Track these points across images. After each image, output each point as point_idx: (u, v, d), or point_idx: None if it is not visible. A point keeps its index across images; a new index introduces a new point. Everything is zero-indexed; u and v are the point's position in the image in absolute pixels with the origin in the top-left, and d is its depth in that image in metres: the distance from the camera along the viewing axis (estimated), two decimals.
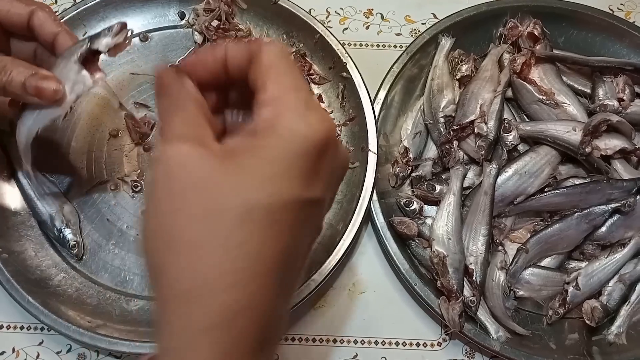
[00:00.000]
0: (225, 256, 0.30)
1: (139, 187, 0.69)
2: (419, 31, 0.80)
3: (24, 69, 0.49)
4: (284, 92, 0.33)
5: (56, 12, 0.78)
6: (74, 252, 0.65)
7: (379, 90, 0.72)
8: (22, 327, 0.64)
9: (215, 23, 0.75)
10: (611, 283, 0.67)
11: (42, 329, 0.64)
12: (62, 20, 0.72)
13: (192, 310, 0.30)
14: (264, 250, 0.31)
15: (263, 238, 0.31)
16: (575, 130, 0.68)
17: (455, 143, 0.69)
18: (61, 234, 0.66)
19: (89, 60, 0.51)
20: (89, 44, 0.50)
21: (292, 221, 0.32)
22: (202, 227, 0.30)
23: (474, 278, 0.64)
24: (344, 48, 0.74)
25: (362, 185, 0.67)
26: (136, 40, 0.77)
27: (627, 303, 0.66)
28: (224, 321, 0.30)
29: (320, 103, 0.74)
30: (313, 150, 0.32)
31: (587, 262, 0.68)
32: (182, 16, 0.78)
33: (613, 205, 0.66)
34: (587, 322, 0.64)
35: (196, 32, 0.76)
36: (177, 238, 0.31)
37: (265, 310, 0.31)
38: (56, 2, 0.81)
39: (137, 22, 0.77)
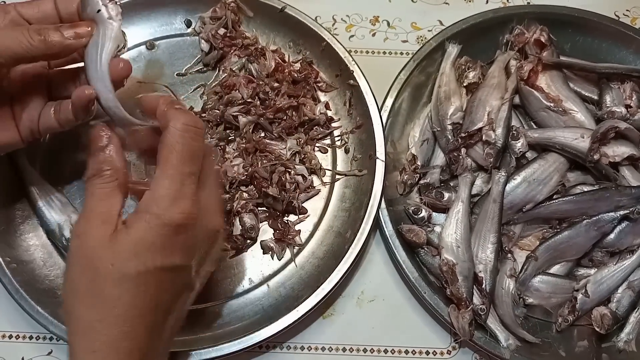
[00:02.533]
0: (106, 306, 0.44)
1: None
2: (426, 38, 0.80)
3: (55, 26, 0.51)
4: (161, 183, 0.45)
5: None
6: None
7: (386, 98, 0.72)
8: (31, 337, 0.64)
9: (222, 31, 0.75)
10: (620, 290, 0.67)
11: (51, 338, 0.64)
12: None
13: (86, 340, 0.44)
14: (135, 302, 0.44)
15: (134, 294, 0.44)
16: (583, 138, 0.68)
17: (463, 150, 0.69)
18: (70, 243, 0.65)
19: None
20: None
21: (156, 282, 0.45)
22: (92, 287, 0.44)
23: (483, 286, 0.64)
24: (351, 55, 0.74)
25: (370, 193, 0.67)
26: (143, 48, 0.77)
27: (636, 310, 0.66)
28: (107, 348, 0.43)
29: (327, 111, 0.74)
30: (170, 232, 0.44)
31: (596, 269, 0.67)
32: (188, 24, 0.78)
33: (622, 213, 0.66)
34: (597, 329, 0.64)
35: (203, 40, 0.76)
36: (81, 294, 0.45)
37: (139, 344, 0.44)
38: None
39: (143, 30, 0.77)
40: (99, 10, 0.51)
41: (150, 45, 0.77)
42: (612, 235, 0.67)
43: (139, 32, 0.77)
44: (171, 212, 0.44)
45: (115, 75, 0.51)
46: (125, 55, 0.75)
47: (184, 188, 0.46)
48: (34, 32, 0.49)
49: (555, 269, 0.68)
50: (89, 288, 0.44)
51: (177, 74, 0.76)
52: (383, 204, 0.67)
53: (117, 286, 0.44)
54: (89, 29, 0.51)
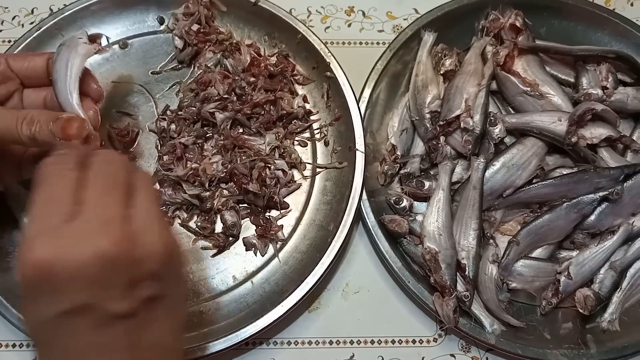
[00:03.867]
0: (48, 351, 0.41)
1: None
2: (401, 27, 0.80)
3: (47, 116, 0.51)
4: (28, 222, 0.40)
5: (33, 22, 0.78)
6: None
7: (363, 89, 0.72)
8: (14, 345, 0.64)
9: (195, 27, 0.74)
10: (602, 271, 0.67)
11: (34, 345, 0.63)
12: (39, 31, 0.72)
13: None
14: (60, 350, 0.41)
15: (58, 342, 0.41)
16: (560, 121, 0.68)
17: (442, 138, 0.69)
18: None
19: None
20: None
21: (62, 331, 0.40)
22: None
23: (466, 273, 0.65)
24: (327, 47, 0.73)
25: (351, 185, 0.67)
26: (116, 47, 0.76)
27: (618, 290, 0.67)
28: None
29: (305, 104, 0.73)
30: (32, 278, 0.38)
31: (577, 251, 0.68)
32: (161, 21, 0.77)
33: (601, 194, 0.66)
34: (581, 310, 0.65)
35: (176, 37, 0.75)
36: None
37: None
38: (32, 12, 0.79)
39: (115, 29, 0.76)
40: (80, 38, 0.56)
41: (123, 44, 0.76)
42: (592, 217, 0.67)
43: (111, 31, 0.76)
44: (24, 257, 0.39)
45: (93, 94, 0.56)
46: (98, 55, 0.74)
47: (43, 224, 0.40)
48: (25, 125, 0.50)
49: (537, 253, 0.68)
50: None
51: (151, 73, 0.75)
52: (364, 196, 0.67)
53: (40, 331, 0.41)
54: (80, 130, 0.51)
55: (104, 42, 0.61)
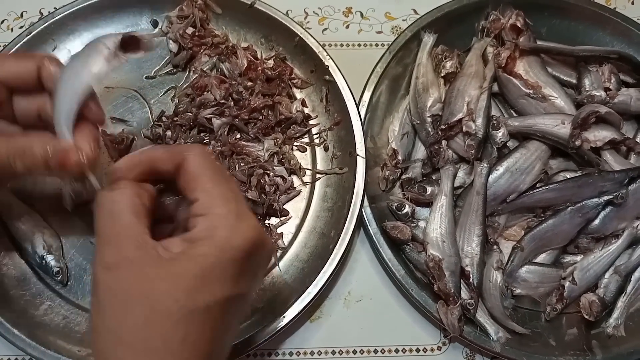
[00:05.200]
0: (169, 352, 0.36)
1: None
2: (400, 28, 0.79)
3: (41, 145, 0.46)
4: (215, 204, 0.40)
5: (22, 26, 0.76)
6: (58, 278, 0.63)
7: (363, 92, 0.71)
8: None
9: (190, 30, 0.73)
10: (607, 275, 0.67)
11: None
12: (29, 35, 0.70)
13: None
14: (202, 339, 0.38)
15: (201, 331, 0.38)
16: (564, 124, 0.67)
17: (444, 143, 0.68)
18: (43, 261, 0.63)
19: None
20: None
21: (223, 314, 0.39)
22: (147, 330, 0.37)
23: (470, 280, 0.64)
24: (325, 50, 0.72)
25: (353, 191, 0.65)
26: None
27: (623, 294, 0.66)
28: None
29: (304, 108, 0.72)
30: (243, 256, 0.39)
31: (582, 256, 0.67)
32: (155, 24, 0.75)
33: (605, 198, 0.65)
34: (586, 316, 0.64)
35: (171, 41, 0.73)
36: (129, 339, 0.37)
37: None
38: (22, 16, 0.77)
39: (108, 32, 0.73)
40: (107, 48, 0.46)
41: None
42: (596, 221, 0.66)
43: (103, 34, 0.74)
44: (242, 231, 0.39)
45: (93, 118, 0.48)
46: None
47: (241, 204, 0.41)
48: (19, 160, 0.46)
49: (541, 258, 0.68)
50: (139, 329, 0.37)
51: (146, 77, 0.73)
52: (366, 202, 0.66)
53: (182, 325, 0.37)
54: (80, 164, 0.45)
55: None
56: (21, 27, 0.76)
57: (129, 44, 0.47)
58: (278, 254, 0.66)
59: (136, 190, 0.41)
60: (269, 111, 0.70)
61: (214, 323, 0.38)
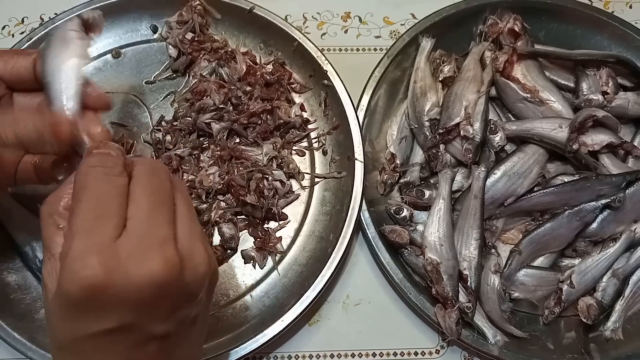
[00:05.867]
0: None
1: None
2: (399, 32, 0.79)
3: (33, 116, 0.46)
4: (68, 236, 0.38)
5: (23, 32, 0.76)
6: None
7: (361, 96, 0.71)
8: None
9: (189, 35, 0.73)
10: (605, 279, 0.67)
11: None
12: (30, 41, 0.70)
13: None
14: None
15: None
16: (561, 128, 0.67)
17: (441, 147, 0.68)
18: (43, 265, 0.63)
19: None
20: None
21: (94, 348, 0.39)
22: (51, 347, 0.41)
23: (468, 284, 0.64)
24: (324, 54, 0.72)
25: (351, 195, 0.66)
26: (108, 57, 0.74)
27: (621, 298, 0.66)
28: None
29: (303, 112, 0.72)
30: (80, 297, 0.37)
31: (580, 259, 0.67)
32: (154, 30, 0.76)
33: (603, 201, 0.65)
34: (584, 319, 0.65)
35: (170, 46, 0.73)
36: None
37: None
38: (23, 21, 0.78)
39: (108, 38, 0.75)
40: (71, 30, 0.47)
41: (116, 53, 0.74)
42: (594, 225, 0.67)
43: (103, 40, 0.74)
44: (72, 274, 0.37)
45: (95, 102, 0.48)
46: (90, 65, 0.73)
47: (89, 239, 0.38)
48: (9, 125, 0.45)
49: (539, 261, 0.68)
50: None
51: (145, 82, 0.74)
52: (364, 206, 0.66)
53: (60, 350, 0.40)
54: (71, 129, 0.45)
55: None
56: (22, 33, 0.77)
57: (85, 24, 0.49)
58: (277, 258, 0.67)
59: (61, 202, 0.41)
60: (268, 116, 0.71)
61: (89, 354, 0.39)
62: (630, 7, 0.83)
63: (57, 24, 0.48)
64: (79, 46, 0.48)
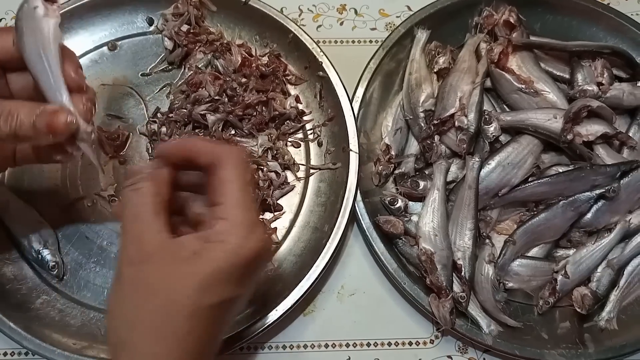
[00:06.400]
0: (175, 340, 0.41)
1: (117, 202, 0.67)
2: (394, 25, 0.79)
3: (29, 110, 0.46)
4: (234, 212, 0.43)
5: None
6: (54, 272, 0.64)
7: (357, 88, 0.71)
8: (5, 354, 0.63)
9: (185, 28, 0.73)
10: (600, 269, 0.67)
11: (26, 354, 0.62)
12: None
13: None
14: (204, 335, 0.42)
15: (204, 327, 0.42)
16: (556, 118, 0.67)
17: (436, 138, 0.68)
18: (39, 255, 0.64)
19: None
20: None
21: (224, 312, 0.44)
22: (160, 318, 0.41)
23: (462, 273, 0.64)
24: (319, 46, 0.72)
25: (346, 186, 0.66)
26: (104, 49, 0.75)
27: (616, 288, 0.66)
28: None
29: (298, 104, 0.72)
30: (249, 263, 0.43)
31: (574, 250, 0.67)
32: (150, 22, 0.76)
33: (598, 192, 0.65)
34: (578, 309, 0.65)
35: (166, 38, 0.74)
36: (143, 327, 0.41)
37: None
38: None
39: (104, 30, 0.75)
40: (35, 7, 0.46)
41: (112, 45, 0.75)
42: (589, 215, 0.67)
43: (99, 32, 0.75)
44: (251, 242, 0.43)
45: (72, 85, 0.47)
46: (87, 58, 0.74)
47: (256, 215, 0.45)
48: (3, 120, 0.45)
49: (534, 252, 0.68)
50: (153, 319, 0.41)
51: (141, 74, 0.74)
52: (359, 196, 0.66)
53: (190, 319, 0.41)
54: (69, 124, 0.46)
55: None
56: None
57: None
58: (272, 249, 0.67)
59: (156, 189, 0.45)
60: (263, 107, 0.71)
61: (216, 319, 0.43)
62: None
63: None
64: (48, 24, 0.46)
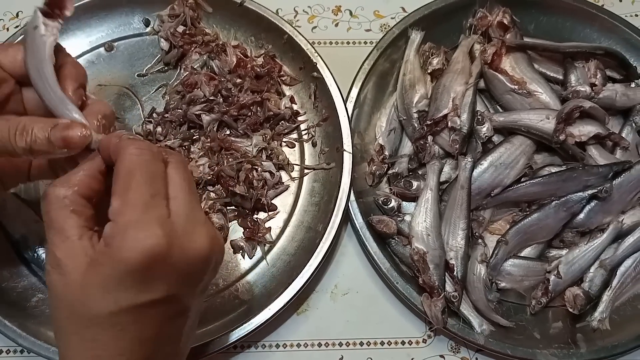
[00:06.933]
0: (84, 347, 0.40)
1: None
2: (389, 26, 0.80)
3: (43, 124, 0.45)
4: (121, 211, 0.40)
5: (17, 26, 0.77)
6: None
7: (351, 88, 0.72)
8: (0, 351, 0.63)
9: (181, 29, 0.74)
10: (592, 269, 0.67)
11: (21, 351, 0.63)
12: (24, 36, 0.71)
13: None
14: (114, 342, 0.40)
15: (110, 335, 0.40)
16: (548, 119, 0.67)
17: (429, 138, 0.69)
18: (35, 254, 0.65)
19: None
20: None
21: (134, 319, 0.40)
22: (70, 326, 0.41)
23: (455, 273, 0.64)
24: (314, 47, 0.73)
25: (339, 186, 0.66)
26: (101, 50, 0.75)
27: (608, 288, 0.67)
28: None
29: (293, 105, 0.73)
30: (141, 264, 0.39)
31: (567, 250, 0.68)
32: (147, 23, 0.76)
33: (590, 192, 0.66)
34: (570, 309, 0.65)
35: (162, 39, 0.74)
36: (59, 331, 0.42)
37: None
38: (17, 16, 0.79)
39: (101, 32, 0.76)
40: (35, 27, 0.46)
41: (108, 46, 0.75)
42: (581, 215, 0.67)
43: (96, 33, 0.76)
44: (136, 241, 0.39)
45: (75, 99, 0.47)
46: (83, 58, 0.74)
47: (147, 213, 0.40)
48: (19, 135, 0.44)
49: (526, 252, 0.68)
50: (66, 326, 0.41)
51: (137, 75, 0.75)
52: (352, 196, 0.67)
53: (90, 327, 0.40)
54: (84, 137, 0.44)
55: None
56: (17, 27, 0.78)
57: (52, 10, 0.47)
58: (266, 248, 0.67)
59: (64, 193, 0.42)
60: (258, 107, 0.71)
61: (123, 327, 0.40)
62: (621, 0, 0.84)
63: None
64: (47, 46, 0.46)
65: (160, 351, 0.43)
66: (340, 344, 0.65)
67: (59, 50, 0.48)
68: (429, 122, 0.69)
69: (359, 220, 0.66)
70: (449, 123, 0.68)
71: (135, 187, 0.40)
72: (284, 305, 0.61)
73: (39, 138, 0.45)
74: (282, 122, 0.72)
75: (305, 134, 0.73)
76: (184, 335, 0.46)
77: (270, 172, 0.69)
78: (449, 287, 0.64)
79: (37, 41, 0.46)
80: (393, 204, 0.68)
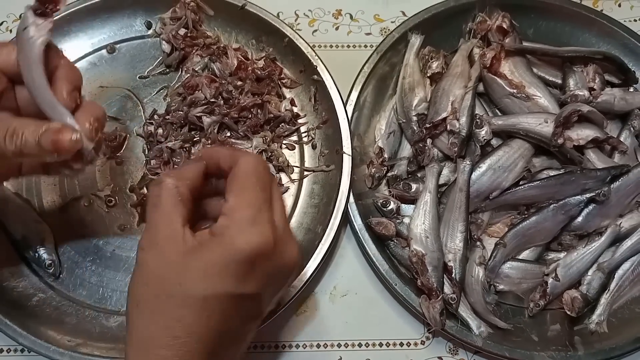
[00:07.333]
0: (166, 326, 0.42)
1: (113, 202, 0.68)
2: (389, 30, 0.80)
3: (34, 127, 0.45)
4: (237, 207, 0.44)
5: None
6: (50, 271, 0.64)
7: (351, 91, 0.72)
8: (1, 350, 0.64)
9: (182, 31, 0.74)
10: (590, 272, 0.67)
11: (22, 350, 0.63)
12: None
13: (139, 356, 0.43)
14: (196, 326, 0.42)
15: (196, 317, 0.42)
16: (547, 122, 0.68)
17: (428, 141, 0.69)
18: (36, 254, 0.65)
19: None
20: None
21: (222, 308, 0.43)
22: (157, 303, 0.43)
23: (453, 275, 0.64)
24: (314, 50, 0.73)
25: (339, 188, 0.67)
26: (103, 52, 0.76)
27: (606, 291, 0.67)
28: None
29: (293, 107, 0.74)
30: (246, 259, 0.42)
31: (565, 253, 0.68)
32: (148, 26, 0.77)
33: (588, 195, 0.66)
34: (568, 312, 0.65)
35: (164, 42, 0.75)
36: (142, 307, 0.44)
37: None
38: (20, 17, 0.79)
39: (103, 34, 0.76)
40: (25, 28, 0.45)
41: (110, 49, 0.76)
42: (579, 219, 0.67)
43: (98, 36, 0.76)
44: (249, 236, 0.43)
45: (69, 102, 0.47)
46: (85, 60, 0.75)
47: (262, 214, 0.44)
48: (9, 138, 0.45)
49: (524, 255, 0.68)
50: (151, 303, 0.43)
51: (139, 77, 0.75)
52: (352, 198, 0.67)
53: (180, 307, 0.42)
54: (74, 142, 0.46)
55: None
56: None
57: (42, 8, 0.46)
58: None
59: (177, 182, 0.45)
60: (258, 110, 0.72)
61: (210, 313, 0.42)
62: (619, 5, 0.84)
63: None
64: (37, 47, 0.46)
65: (228, 349, 0.46)
66: (339, 345, 0.65)
67: (54, 51, 0.48)
68: (428, 125, 0.69)
69: (358, 222, 0.67)
70: (448, 126, 0.68)
71: (252, 189, 0.45)
72: (283, 307, 0.62)
73: (29, 141, 0.45)
74: (282, 124, 0.73)
75: (305, 136, 0.73)
76: (247, 341, 0.49)
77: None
78: (447, 289, 0.64)
79: (26, 43, 0.46)
80: (392, 206, 0.68)
